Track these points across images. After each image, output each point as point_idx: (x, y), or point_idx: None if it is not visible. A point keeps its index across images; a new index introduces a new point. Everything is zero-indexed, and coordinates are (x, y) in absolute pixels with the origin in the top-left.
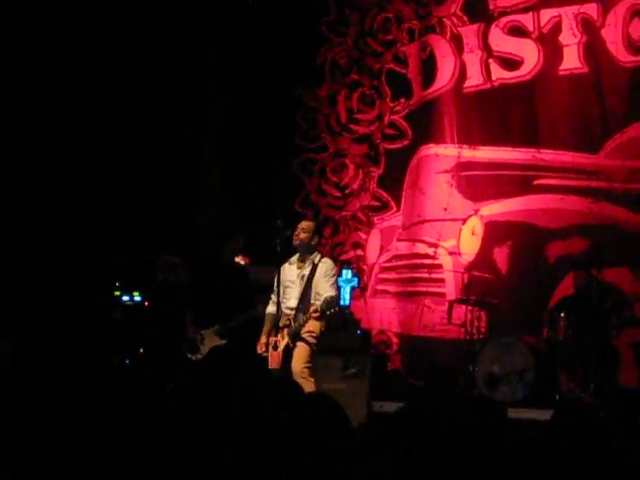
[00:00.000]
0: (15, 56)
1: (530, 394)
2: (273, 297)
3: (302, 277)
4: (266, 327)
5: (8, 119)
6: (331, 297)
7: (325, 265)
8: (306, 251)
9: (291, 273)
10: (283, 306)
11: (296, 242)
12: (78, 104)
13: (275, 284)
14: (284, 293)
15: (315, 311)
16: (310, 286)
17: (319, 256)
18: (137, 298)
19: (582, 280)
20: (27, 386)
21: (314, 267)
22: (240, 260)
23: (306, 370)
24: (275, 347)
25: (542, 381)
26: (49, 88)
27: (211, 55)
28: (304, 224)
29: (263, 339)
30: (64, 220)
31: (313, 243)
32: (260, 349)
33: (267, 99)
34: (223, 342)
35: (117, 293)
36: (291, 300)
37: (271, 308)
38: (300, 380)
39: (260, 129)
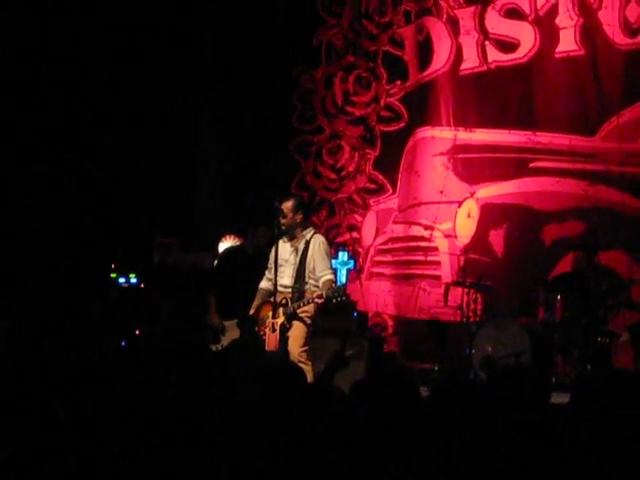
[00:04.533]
0: None
1: None
2: (267, 274)
3: (295, 254)
4: (256, 302)
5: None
6: (331, 280)
7: (318, 242)
8: (294, 230)
9: (284, 251)
10: (278, 284)
11: (283, 227)
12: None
13: (272, 261)
14: (278, 271)
15: (320, 297)
16: (304, 263)
17: (312, 232)
18: (133, 280)
19: (582, 262)
20: (23, 365)
21: (307, 243)
22: (235, 240)
23: (304, 354)
24: (273, 329)
25: (538, 363)
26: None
27: (206, 37)
28: (283, 206)
29: (251, 312)
30: (60, 202)
31: (298, 220)
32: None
33: (264, 81)
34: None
35: (113, 275)
36: (284, 278)
37: (264, 284)
38: (298, 364)
39: (256, 111)
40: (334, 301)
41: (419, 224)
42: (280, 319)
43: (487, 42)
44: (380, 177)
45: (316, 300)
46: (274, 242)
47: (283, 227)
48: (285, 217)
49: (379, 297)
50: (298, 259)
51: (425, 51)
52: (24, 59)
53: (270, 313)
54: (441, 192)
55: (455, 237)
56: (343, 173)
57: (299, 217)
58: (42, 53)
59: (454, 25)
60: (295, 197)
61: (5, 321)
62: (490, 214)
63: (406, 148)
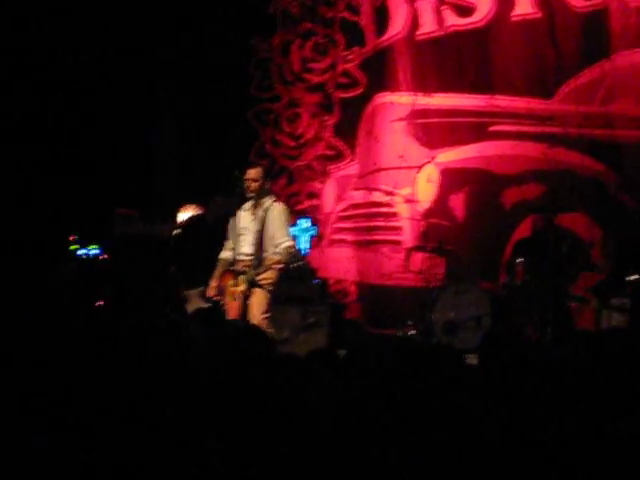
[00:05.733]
0: None
1: None
2: (227, 244)
3: (255, 222)
4: (217, 271)
5: None
6: (290, 247)
7: (277, 209)
8: (260, 197)
9: (244, 220)
10: (237, 253)
11: (250, 194)
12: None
13: (230, 230)
14: (238, 240)
15: (278, 262)
16: (264, 231)
17: (271, 200)
18: (94, 251)
19: (540, 224)
20: None
21: (266, 211)
22: (195, 210)
23: (265, 321)
24: (234, 298)
25: (500, 327)
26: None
27: (163, 7)
28: (252, 173)
29: (213, 283)
30: (20, 171)
31: (267, 187)
32: (209, 293)
33: (220, 49)
34: (207, 305)
35: (73, 247)
36: (245, 247)
37: (225, 254)
38: None
39: (214, 80)
40: (291, 266)
41: (379, 190)
42: (241, 287)
43: (443, 7)
44: (339, 144)
45: (274, 266)
46: (233, 211)
47: (252, 193)
48: (251, 186)
49: (340, 264)
50: (258, 227)
51: (382, 17)
52: None
53: (231, 282)
54: (401, 157)
55: (416, 202)
56: (302, 140)
57: (268, 184)
58: None
59: None
60: (260, 165)
61: None
62: (450, 178)
63: (365, 114)
